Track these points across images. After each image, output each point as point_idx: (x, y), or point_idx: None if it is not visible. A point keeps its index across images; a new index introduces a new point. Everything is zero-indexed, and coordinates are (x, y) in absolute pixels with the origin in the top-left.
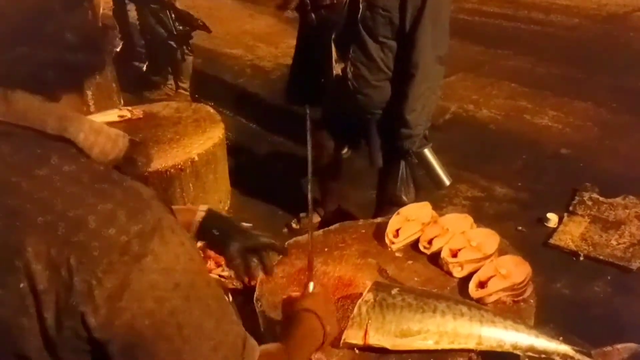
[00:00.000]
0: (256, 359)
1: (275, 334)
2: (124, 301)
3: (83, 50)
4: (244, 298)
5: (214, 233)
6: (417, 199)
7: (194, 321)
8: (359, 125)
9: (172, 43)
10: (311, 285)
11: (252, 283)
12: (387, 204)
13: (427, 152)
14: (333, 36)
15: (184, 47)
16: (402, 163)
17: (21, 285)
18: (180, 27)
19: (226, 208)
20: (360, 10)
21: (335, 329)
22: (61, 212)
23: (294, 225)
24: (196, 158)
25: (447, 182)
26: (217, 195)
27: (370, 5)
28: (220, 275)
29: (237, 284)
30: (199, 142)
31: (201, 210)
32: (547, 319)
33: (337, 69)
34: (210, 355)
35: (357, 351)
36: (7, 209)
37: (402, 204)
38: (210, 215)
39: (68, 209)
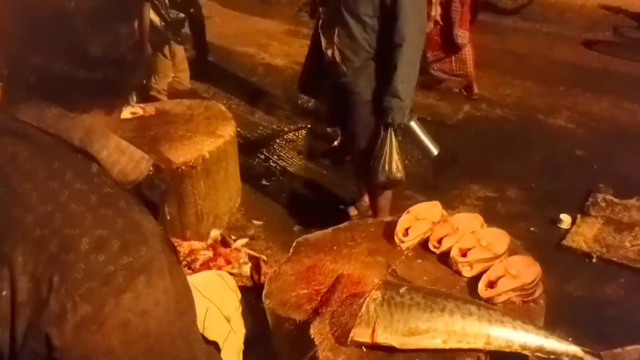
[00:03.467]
0: None
1: (285, 331)
2: (91, 332)
3: (109, 67)
4: (254, 295)
5: None
6: (429, 199)
7: None
8: (348, 106)
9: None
10: None
11: (262, 281)
12: (381, 185)
13: (414, 124)
14: (320, 23)
15: (176, 37)
16: (388, 141)
17: (4, 293)
18: (173, 15)
19: (237, 205)
20: None
21: None
22: (58, 228)
23: (351, 213)
24: (207, 155)
25: (435, 151)
26: (227, 192)
27: None
28: (230, 273)
29: (247, 282)
30: (210, 139)
31: None
32: (559, 320)
33: (327, 54)
34: None
35: (364, 349)
36: (8, 215)
37: (397, 183)
38: None
39: (65, 227)
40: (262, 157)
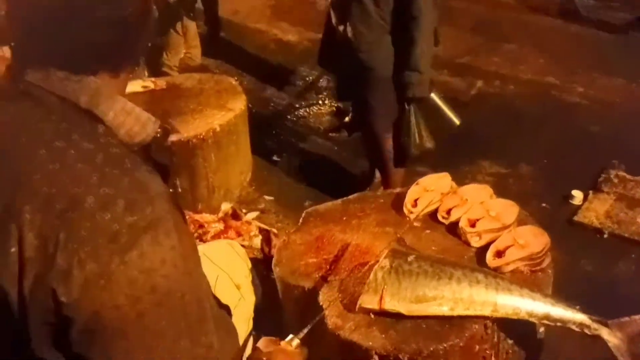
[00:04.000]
0: None
1: (293, 299)
2: (98, 289)
3: (114, 28)
4: (265, 267)
5: None
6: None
7: (157, 330)
8: (362, 83)
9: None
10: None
11: (272, 253)
12: (415, 158)
13: (435, 95)
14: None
15: (189, 13)
16: (411, 113)
17: (12, 249)
18: None
19: (247, 179)
20: None
21: None
22: (64, 186)
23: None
24: (218, 128)
25: (457, 121)
26: (238, 166)
27: None
28: (242, 245)
29: (257, 254)
30: (221, 113)
31: None
32: (570, 294)
33: (338, 31)
34: None
35: (372, 316)
36: (17, 174)
37: (429, 152)
38: None
39: (71, 185)
40: (274, 132)
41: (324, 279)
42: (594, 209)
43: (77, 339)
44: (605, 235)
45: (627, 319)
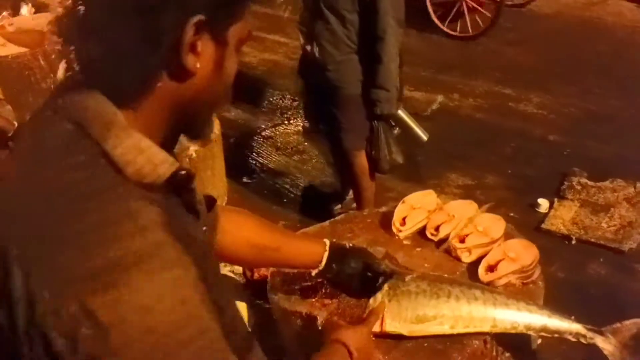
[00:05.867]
0: None
1: (291, 323)
2: (89, 330)
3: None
4: (251, 291)
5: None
6: (410, 189)
7: None
8: (331, 101)
9: None
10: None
11: (255, 277)
12: (385, 172)
13: (402, 112)
14: (298, 18)
15: None
16: (381, 130)
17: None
18: None
19: (224, 204)
20: None
21: None
22: (44, 221)
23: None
24: (194, 155)
25: (424, 137)
26: (215, 191)
27: None
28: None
29: (240, 279)
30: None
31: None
32: (546, 301)
33: (305, 50)
34: None
35: (373, 338)
36: (4, 207)
37: (399, 166)
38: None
39: (51, 219)
40: (243, 154)
41: (321, 303)
42: (560, 216)
43: None
44: (573, 242)
45: (618, 325)
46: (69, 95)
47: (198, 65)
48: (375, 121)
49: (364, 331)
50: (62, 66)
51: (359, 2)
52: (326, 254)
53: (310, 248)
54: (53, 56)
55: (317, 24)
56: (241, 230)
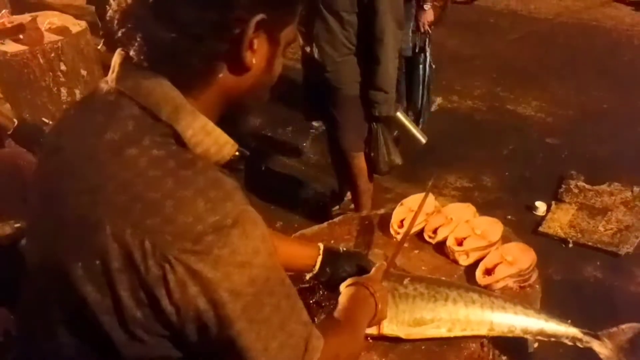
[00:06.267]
0: (318, 355)
1: None
2: (196, 288)
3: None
4: None
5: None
6: (408, 191)
7: (263, 318)
8: (330, 102)
9: None
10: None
11: None
12: (383, 173)
13: (400, 114)
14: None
15: None
16: (379, 131)
17: (96, 262)
18: None
19: None
20: None
21: (384, 313)
22: (139, 193)
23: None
24: None
25: (423, 140)
26: None
27: None
28: None
29: None
30: None
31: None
32: (542, 304)
33: (304, 51)
34: (275, 355)
35: (370, 340)
36: (92, 185)
37: (397, 167)
38: (327, 251)
39: (147, 191)
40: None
41: (318, 305)
42: (557, 219)
43: (190, 340)
44: (570, 245)
45: (615, 329)
46: (132, 80)
47: (254, 62)
48: (374, 123)
49: (378, 278)
50: (118, 53)
51: (357, 3)
52: (320, 258)
53: (304, 252)
54: (52, 55)
55: (316, 25)
56: None
